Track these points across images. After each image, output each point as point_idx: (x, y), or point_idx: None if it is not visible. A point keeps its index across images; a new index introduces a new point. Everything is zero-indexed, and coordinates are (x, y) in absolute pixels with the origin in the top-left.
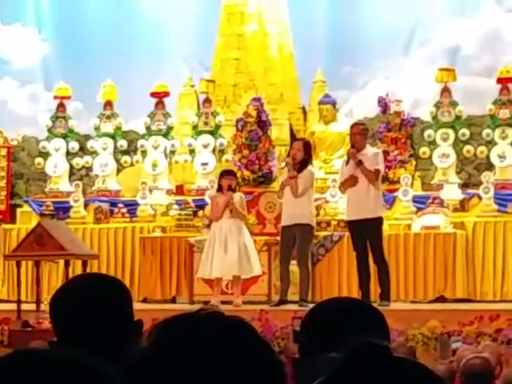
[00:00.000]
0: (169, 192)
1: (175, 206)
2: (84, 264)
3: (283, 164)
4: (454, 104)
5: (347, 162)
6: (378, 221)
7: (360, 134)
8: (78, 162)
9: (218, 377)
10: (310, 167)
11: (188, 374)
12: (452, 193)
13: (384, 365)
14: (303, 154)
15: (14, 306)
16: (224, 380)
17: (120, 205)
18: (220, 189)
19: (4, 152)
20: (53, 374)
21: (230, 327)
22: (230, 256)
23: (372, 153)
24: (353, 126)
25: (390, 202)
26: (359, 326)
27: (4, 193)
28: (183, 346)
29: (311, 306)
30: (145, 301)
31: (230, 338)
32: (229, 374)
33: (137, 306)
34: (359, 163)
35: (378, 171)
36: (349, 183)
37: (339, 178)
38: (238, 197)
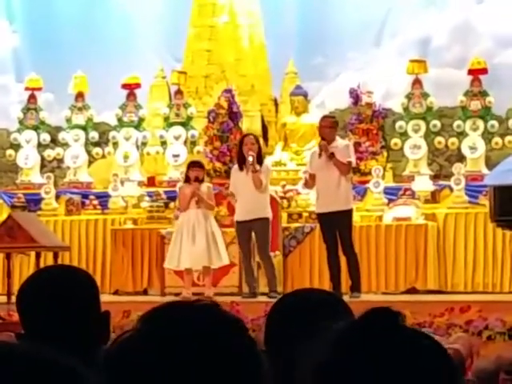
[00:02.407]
0: (140, 184)
1: (147, 198)
2: (55, 256)
3: (250, 158)
4: (425, 95)
5: (319, 155)
6: (349, 213)
7: (330, 126)
8: (50, 153)
9: (203, 369)
10: (265, 161)
11: (173, 364)
12: (423, 184)
13: (393, 332)
14: (258, 147)
15: None
16: (208, 373)
17: (91, 197)
18: (188, 180)
19: None
20: (14, 371)
21: (223, 321)
22: (199, 246)
23: (342, 145)
24: (322, 119)
25: (362, 193)
26: (324, 316)
27: None
28: (172, 336)
29: None
30: (116, 293)
31: (220, 331)
32: (213, 366)
33: (108, 298)
34: (331, 156)
35: (350, 163)
36: (310, 183)
37: (307, 169)
38: (205, 187)
